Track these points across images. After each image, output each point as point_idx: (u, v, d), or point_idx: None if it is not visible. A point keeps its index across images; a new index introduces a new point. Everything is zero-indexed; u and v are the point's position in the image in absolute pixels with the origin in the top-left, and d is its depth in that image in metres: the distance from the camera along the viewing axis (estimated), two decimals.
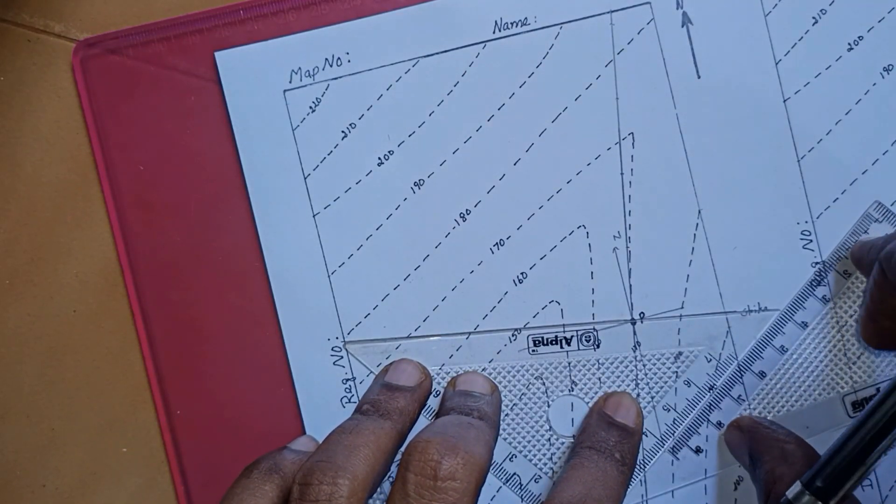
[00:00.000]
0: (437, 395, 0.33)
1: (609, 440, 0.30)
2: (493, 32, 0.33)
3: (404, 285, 0.33)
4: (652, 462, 0.33)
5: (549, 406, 0.33)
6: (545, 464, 0.33)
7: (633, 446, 0.31)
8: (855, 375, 0.32)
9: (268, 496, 0.28)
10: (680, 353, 0.33)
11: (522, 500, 0.33)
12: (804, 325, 0.32)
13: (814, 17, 0.32)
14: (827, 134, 0.32)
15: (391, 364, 0.33)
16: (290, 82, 0.33)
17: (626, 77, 0.32)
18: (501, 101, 0.33)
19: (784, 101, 0.32)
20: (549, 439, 0.33)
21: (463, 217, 0.33)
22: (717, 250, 0.32)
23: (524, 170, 0.33)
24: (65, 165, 0.34)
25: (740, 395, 0.32)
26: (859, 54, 0.32)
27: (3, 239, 0.35)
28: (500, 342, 0.33)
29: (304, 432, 0.33)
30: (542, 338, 0.33)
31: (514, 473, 0.33)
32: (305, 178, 0.33)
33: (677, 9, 0.32)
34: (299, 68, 0.33)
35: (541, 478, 0.33)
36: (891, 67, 0.32)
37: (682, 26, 0.32)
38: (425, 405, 0.33)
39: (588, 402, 0.33)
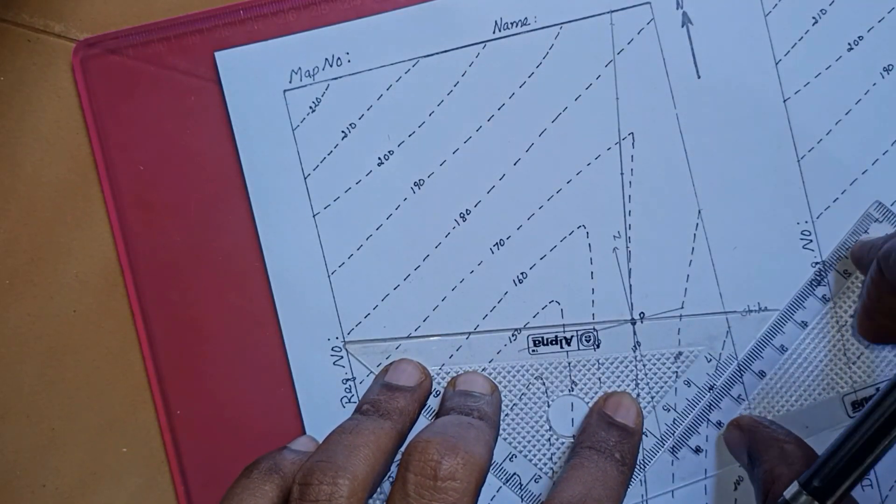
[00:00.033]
0: (437, 395, 0.33)
1: (609, 440, 0.30)
2: (493, 32, 0.33)
3: (404, 285, 0.33)
4: (652, 462, 0.33)
5: (549, 406, 0.33)
6: (545, 464, 0.33)
7: (633, 446, 0.31)
8: (855, 375, 0.32)
9: (268, 496, 0.28)
10: (680, 353, 0.33)
11: (522, 500, 0.33)
12: (804, 324, 0.32)
13: (814, 17, 0.32)
14: (827, 134, 0.32)
15: (391, 364, 0.33)
16: (290, 82, 0.33)
17: (626, 77, 0.32)
18: (501, 101, 0.33)
19: (784, 101, 0.32)
20: (549, 439, 0.33)
21: (463, 217, 0.33)
22: (717, 250, 0.32)
23: (524, 170, 0.33)
24: (65, 165, 0.34)
25: (740, 395, 0.32)
26: (859, 54, 0.32)
27: (3, 239, 0.35)
28: (500, 342, 0.33)
29: (304, 432, 0.33)
30: (542, 338, 0.33)
31: (514, 473, 0.33)
32: (305, 178, 0.33)
33: (677, 9, 0.32)
34: (299, 68, 0.33)
35: (541, 478, 0.33)
36: (891, 67, 0.32)
37: (682, 26, 0.32)
38: (425, 405, 0.33)
39: (588, 402, 0.33)
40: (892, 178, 0.32)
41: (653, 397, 0.33)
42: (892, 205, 0.32)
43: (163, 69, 0.34)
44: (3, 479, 0.35)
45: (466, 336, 0.33)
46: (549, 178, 0.33)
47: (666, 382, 0.33)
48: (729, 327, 0.32)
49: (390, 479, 0.31)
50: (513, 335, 0.33)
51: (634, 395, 0.33)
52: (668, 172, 0.32)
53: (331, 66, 0.33)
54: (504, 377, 0.33)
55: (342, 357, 0.33)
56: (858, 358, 0.32)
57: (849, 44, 0.32)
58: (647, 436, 0.33)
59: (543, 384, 0.33)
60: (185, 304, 0.34)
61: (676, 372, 0.33)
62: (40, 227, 0.34)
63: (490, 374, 0.33)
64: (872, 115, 0.32)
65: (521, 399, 0.33)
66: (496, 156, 0.33)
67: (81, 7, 0.34)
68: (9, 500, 0.35)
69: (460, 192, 0.33)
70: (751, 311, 0.32)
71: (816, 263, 0.32)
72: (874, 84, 0.32)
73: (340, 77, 0.33)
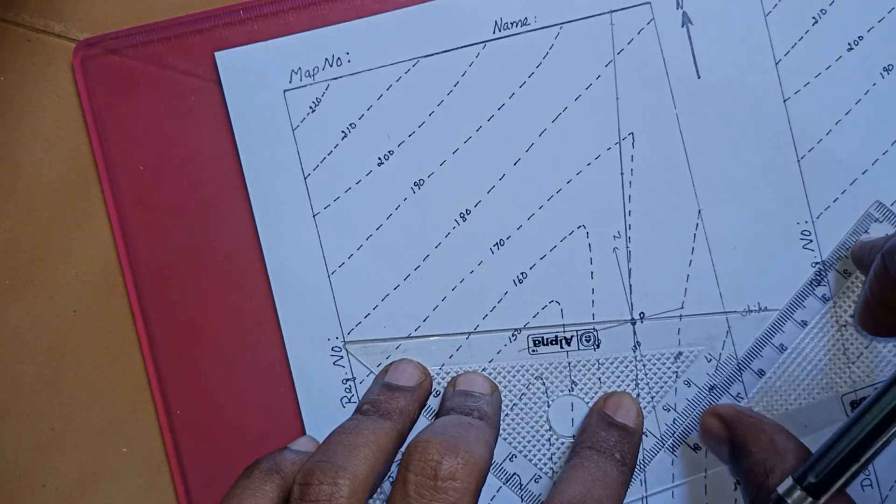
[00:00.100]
0: (437, 395, 0.33)
1: (609, 440, 0.30)
2: (493, 32, 0.33)
3: (404, 285, 0.33)
4: (652, 462, 0.33)
5: (549, 406, 0.33)
6: (545, 464, 0.33)
7: (633, 446, 0.31)
8: (854, 375, 0.32)
9: (268, 496, 0.28)
10: (680, 353, 0.33)
11: (522, 500, 0.33)
12: (804, 324, 0.32)
13: (814, 17, 0.32)
14: (827, 134, 0.32)
15: (391, 364, 0.33)
16: (290, 82, 0.33)
17: (626, 77, 0.32)
18: (501, 101, 0.33)
19: (784, 101, 0.32)
20: (549, 439, 0.33)
21: (463, 217, 0.33)
22: (717, 250, 0.32)
23: (524, 170, 0.33)
24: (65, 165, 0.34)
25: (739, 394, 0.33)
26: (859, 54, 0.32)
27: (3, 239, 0.34)
28: (500, 342, 0.33)
29: (304, 432, 0.33)
30: (542, 338, 0.33)
31: (514, 473, 0.33)
32: (305, 178, 0.33)
33: (677, 9, 0.32)
34: (299, 68, 0.33)
35: (541, 478, 0.33)
36: (891, 67, 0.32)
37: (682, 26, 0.32)
38: (425, 405, 0.33)
39: (588, 402, 0.33)
40: (892, 178, 0.32)
41: (653, 397, 0.33)
42: (892, 205, 0.32)
43: (163, 69, 0.34)
44: (3, 479, 0.35)
45: (466, 336, 0.33)
46: (549, 178, 0.33)
47: (666, 382, 0.33)
48: (729, 327, 0.32)
49: (390, 479, 0.31)
50: (513, 335, 0.33)
51: (634, 395, 0.33)
52: (668, 172, 0.32)
53: (331, 66, 0.33)
54: (504, 377, 0.33)
55: (342, 357, 0.33)
56: (858, 358, 0.32)
57: (849, 44, 0.32)
58: (647, 436, 0.33)
59: (543, 384, 0.33)
60: (185, 304, 0.34)
61: (676, 372, 0.33)
62: (40, 227, 0.34)
63: (490, 374, 0.33)
64: (872, 115, 0.32)
65: (521, 399, 0.33)
66: (496, 156, 0.33)
67: (81, 7, 0.34)
68: (9, 500, 0.35)
69: (460, 192, 0.33)
70: (751, 310, 0.32)
71: (816, 263, 0.32)
72: (874, 84, 0.32)
73: (340, 77, 0.33)
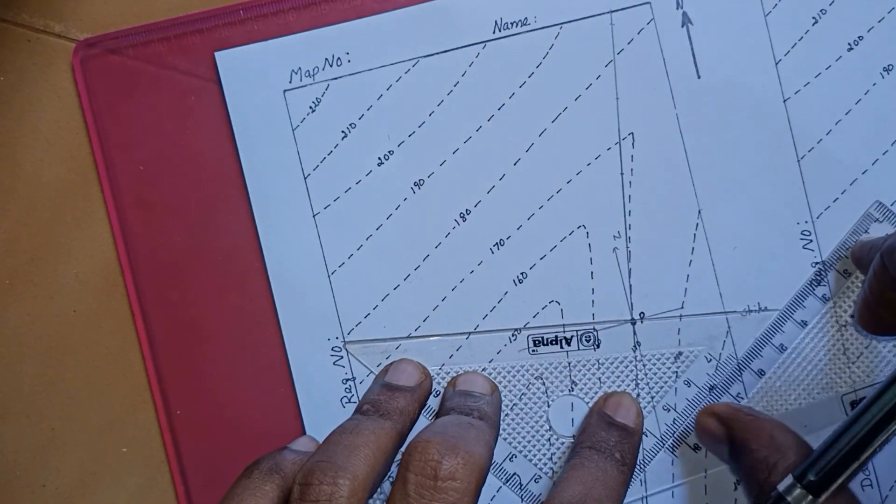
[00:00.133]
0: (437, 395, 0.33)
1: (609, 440, 0.30)
2: (493, 32, 0.33)
3: (404, 285, 0.33)
4: (652, 462, 0.33)
5: (549, 406, 0.33)
6: (545, 464, 0.33)
7: (633, 446, 0.31)
8: (854, 375, 0.32)
9: (268, 496, 0.28)
10: (680, 353, 0.33)
11: (522, 500, 0.33)
12: (804, 324, 0.32)
13: (814, 17, 0.32)
14: (827, 134, 0.32)
15: (391, 364, 0.33)
16: (290, 82, 0.33)
17: (626, 77, 0.32)
18: (501, 101, 0.33)
19: (784, 101, 0.32)
20: (549, 439, 0.33)
21: (463, 217, 0.33)
22: (717, 250, 0.32)
23: (524, 170, 0.33)
24: (65, 165, 0.34)
25: (739, 394, 0.33)
26: (859, 54, 0.32)
27: (3, 239, 0.34)
28: (500, 342, 0.33)
29: (304, 432, 0.33)
30: (542, 338, 0.33)
31: (514, 473, 0.33)
32: (305, 178, 0.33)
33: (677, 9, 0.32)
34: (299, 68, 0.33)
35: (541, 478, 0.33)
36: (891, 67, 0.32)
37: (682, 26, 0.32)
38: (425, 405, 0.33)
39: (588, 402, 0.33)
40: (892, 178, 0.32)
41: (653, 397, 0.33)
42: (892, 205, 0.32)
43: (163, 69, 0.34)
44: (3, 479, 0.35)
45: (466, 336, 0.33)
46: (549, 178, 0.33)
47: (666, 382, 0.33)
48: (729, 327, 0.32)
49: (390, 479, 0.31)
50: (513, 335, 0.33)
51: (634, 395, 0.33)
52: (668, 172, 0.32)
53: (331, 66, 0.33)
54: (504, 377, 0.33)
55: (342, 357, 0.33)
56: (858, 358, 0.32)
57: (849, 44, 0.32)
58: (647, 436, 0.33)
59: (543, 384, 0.33)
60: (185, 304, 0.34)
61: (676, 372, 0.33)
62: (40, 227, 0.34)
63: (490, 374, 0.33)
64: (872, 115, 0.32)
65: (521, 399, 0.33)
66: (496, 156, 0.33)
67: (81, 7, 0.34)
68: (9, 500, 0.35)
69: (460, 192, 0.33)
70: (751, 310, 0.32)
71: (816, 263, 0.32)
72: (874, 84, 0.32)
73: (340, 77, 0.33)
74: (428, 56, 0.33)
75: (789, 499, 0.26)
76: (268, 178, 0.33)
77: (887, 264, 0.27)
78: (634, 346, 0.33)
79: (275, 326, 0.33)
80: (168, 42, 0.33)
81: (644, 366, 0.33)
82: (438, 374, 0.33)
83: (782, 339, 0.32)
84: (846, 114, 0.32)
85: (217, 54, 0.33)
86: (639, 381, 0.33)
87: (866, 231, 0.32)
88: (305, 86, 0.33)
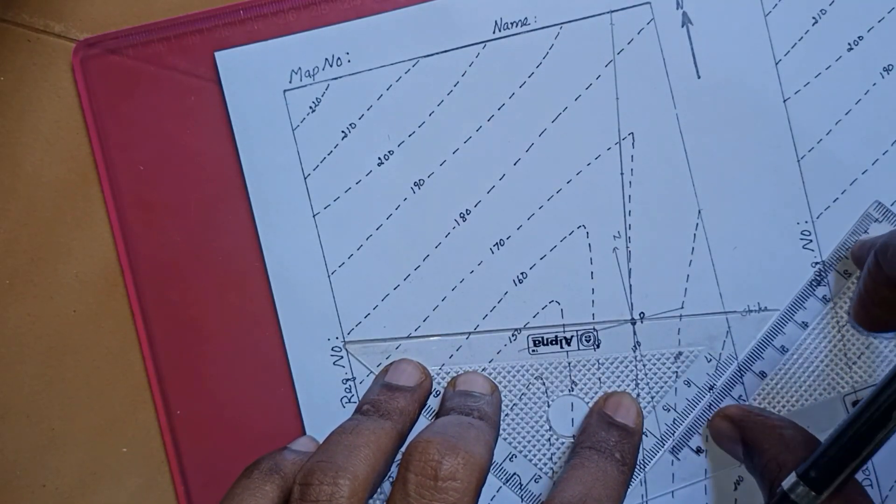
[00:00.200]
0: (437, 395, 0.33)
1: (609, 440, 0.30)
2: (493, 32, 0.33)
3: (404, 285, 0.33)
4: (652, 462, 0.33)
5: (549, 406, 0.33)
6: (545, 464, 0.33)
7: (634, 446, 0.31)
8: (855, 375, 0.32)
9: (268, 496, 0.28)
10: (680, 353, 0.33)
11: (522, 500, 0.33)
12: (804, 325, 0.32)
13: (814, 17, 0.32)
14: (827, 134, 0.32)
15: (391, 364, 0.33)
16: (290, 82, 0.33)
17: (626, 77, 0.32)
18: (501, 101, 0.33)
19: (784, 101, 0.32)
20: (549, 439, 0.33)
21: (463, 217, 0.33)
22: (717, 250, 0.32)
23: (524, 170, 0.33)
24: (65, 165, 0.34)
25: (741, 396, 0.32)
26: (859, 54, 0.32)
27: (3, 239, 0.35)
28: (500, 342, 0.33)
29: (304, 432, 0.33)
30: (542, 338, 0.33)
31: (514, 473, 0.33)
32: (305, 178, 0.33)
33: (677, 9, 0.32)
34: (299, 68, 0.33)
35: (541, 478, 0.33)
36: (891, 67, 0.32)
37: (682, 26, 0.32)
38: (425, 405, 0.33)
39: (588, 402, 0.33)
40: (892, 178, 0.32)
41: (653, 397, 0.33)
42: (892, 205, 0.32)
43: (163, 69, 0.34)
44: (3, 479, 0.35)
45: (466, 336, 0.33)
46: (549, 178, 0.33)
47: (666, 382, 0.33)
48: (729, 327, 0.32)
49: (390, 480, 0.31)
50: (513, 335, 0.33)
51: (634, 395, 0.33)
52: (668, 172, 0.32)
53: (331, 66, 0.33)
54: (504, 377, 0.33)
55: (342, 357, 0.33)
56: (859, 358, 0.32)
57: (849, 44, 0.32)
58: (647, 436, 0.33)
59: (543, 384, 0.33)
60: (185, 304, 0.34)
61: (676, 372, 0.33)
62: (40, 227, 0.34)
63: (490, 374, 0.33)
64: (872, 115, 0.32)
65: (521, 399, 0.33)
66: (496, 156, 0.33)
67: (81, 7, 0.34)
68: (9, 500, 0.35)
69: (460, 192, 0.33)
70: (751, 311, 0.32)
71: (816, 263, 0.32)
72: (874, 84, 0.32)
73: (340, 77, 0.33)
74: (428, 56, 0.33)
75: (793, 496, 0.27)
76: (268, 178, 0.33)
77: (881, 262, 0.27)
78: (634, 346, 0.33)
79: (275, 326, 0.33)
80: (168, 42, 0.33)
81: (644, 366, 0.33)
82: (438, 374, 0.33)
83: (783, 340, 0.32)
84: (846, 114, 0.32)
85: (217, 54, 0.33)
86: (639, 381, 0.33)
87: (866, 231, 0.32)
88: (305, 86, 0.33)
